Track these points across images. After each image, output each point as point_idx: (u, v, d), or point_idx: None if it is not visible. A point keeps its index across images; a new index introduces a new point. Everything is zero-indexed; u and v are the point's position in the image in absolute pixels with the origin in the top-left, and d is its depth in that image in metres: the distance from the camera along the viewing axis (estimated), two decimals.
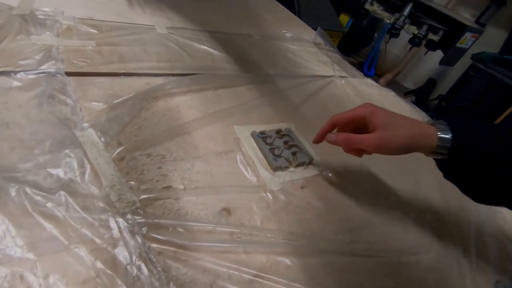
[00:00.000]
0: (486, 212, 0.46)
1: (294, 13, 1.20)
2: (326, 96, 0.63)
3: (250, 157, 0.40)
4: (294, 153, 0.43)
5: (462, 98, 2.38)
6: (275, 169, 0.39)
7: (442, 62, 1.21)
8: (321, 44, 0.89)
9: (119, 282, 0.23)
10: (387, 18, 1.19)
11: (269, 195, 0.36)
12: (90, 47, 0.48)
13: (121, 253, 0.24)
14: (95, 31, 0.52)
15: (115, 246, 0.25)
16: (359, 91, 0.68)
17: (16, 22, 0.46)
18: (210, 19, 0.74)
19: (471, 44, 1.21)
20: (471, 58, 2.31)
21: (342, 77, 0.73)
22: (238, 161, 0.39)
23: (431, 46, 1.19)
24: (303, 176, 0.40)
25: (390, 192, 0.44)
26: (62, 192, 0.26)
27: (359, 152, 0.38)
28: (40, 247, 0.23)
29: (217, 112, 0.45)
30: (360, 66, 3.12)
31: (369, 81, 0.77)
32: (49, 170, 0.28)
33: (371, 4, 1.22)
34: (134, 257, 0.25)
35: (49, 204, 0.25)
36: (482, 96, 2.25)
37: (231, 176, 0.36)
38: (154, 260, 0.25)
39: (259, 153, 0.41)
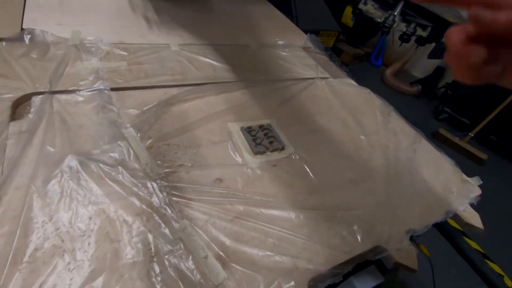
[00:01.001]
0: (419, 185, 0.61)
1: (292, 17, 1.34)
2: (306, 97, 0.78)
3: (238, 145, 0.57)
4: (271, 142, 0.59)
5: (467, 86, 2.42)
6: (256, 153, 0.56)
7: (430, 56, 1.31)
8: (311, 48, 1.03)
9: (155, 215, 0.41)
10: (379, 17, 1.31)
11: (249, 170, 0.53)
12: (124, 67, 0.66)
13: (155, 201, 0.42)
14: (125, 53, 0.70)
15: (151, 197, 0.43)
16: (336, 90, 0.83)
17: (72, 52, 0.64)
18: (214, 33, 0.90)
19: None
20: None
21: (323, 78, 0.87)
22: (229, 148, 0.55)
23: (421, 41, 1.30)
24: (276, 158, 0.57)
25: (345, 166, 0.60)
26: (119, 167, 0.44)
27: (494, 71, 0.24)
28: (111, 196, 0.41)
29: (217, 112, 0.62)
30: (367, 57, 3.18)
31: (348, 80, 0.91)
32: (110, 154, 0.46)
33: (365, 4, 1.34)
34: (162, 203, 0.42)
35: (113, 173, 0.43)
36: (487, 84, 2.29)
37: (223, 157, 0.53)
38: (173, 206, 0.43)
39: (245, 142, 0.58)
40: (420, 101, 2.85)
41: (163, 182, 0.45)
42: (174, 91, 0.64)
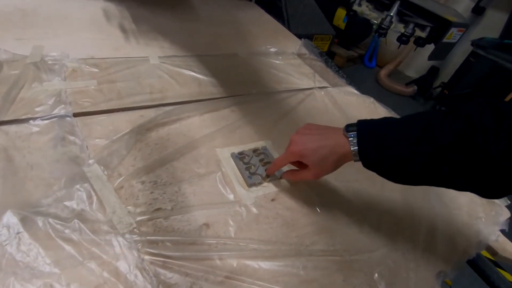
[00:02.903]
0: (442, 212, 0.53)
1: (283, 21, 1.26)
2: (304, 109, 0.69)
3: (229, 176, 0.47)
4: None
5: (464, 85, 2.37)
6: (250, 185, 0.47)
7: (430, 57, 1.24)
8: (306, 54, 0.95)
9: (121, 287, 0.31)
10: (374, 18, 1.23)
11: (243, 209, 0.43)
12: (93, 87, 0.56)
13: (122, 265, 0.33)
14: (96, 70, 0.60)
15: (117, 259, 0.33)
16: (337, 100, 0.75)
17: (30, 71, 0.54)
18: (198, 43, 0.81)
19: (459, 38, 1.24)
20: (472, 45, 2.30)
21: (322, 88, 0.79)
22: (218, 181, 0.46)
23: (419, 42, 1.22)
24: (275, 190, 0.48)
25: (354, 197, 0.51)
26: (76, 220, 0.34)
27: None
28: (62, 263, 0.31)
29: (202, 137, 0.53)
30: (361, 59, 3.13)
31: (349, 89, 0.83)
32: (65, 203, 0.36)
33: (359, 5, 1.27)
34: (131, 267, 0.33)
35: (67, 231, 0.33)
36: (484, 82, 2.24)
37: (211, 194, 0.44)
38: (147, 268, 0.33)
39: (237, 171, 0.49)
40: (416, 101, 2.80)
41: (134, 236, 0.36)
42: (152, 112, 0.55)
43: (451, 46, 1.41)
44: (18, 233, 0.32)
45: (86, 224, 0.35)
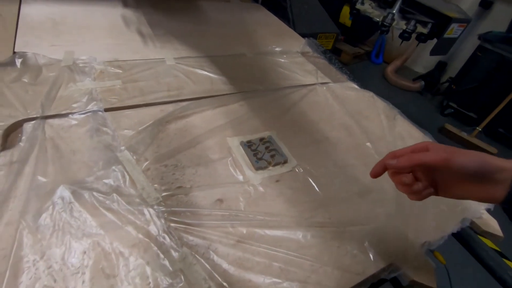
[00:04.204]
0: None
1: (288, 21, 1.32)
2: (307, 104, 0.75)
3: (239, 161, 0.54)
4: (272, 156, 0.57)
5: (471, 80, 2.38)
6: (257, 169, 0.53)
7: (432, 52, 1.28)
8: (310, 53, 1.01)
9: (152, 245, 0.38)
10: (377, 16, 1.29)
11: (251, 188, 0.50)
12: (118, 86, 0.64)
13: (152, 229, 0.40)
14: (120, 71, 0.68)
15: (148, 225, 0.40)
16: (337, 95, 0.81)
17: (65, 73, 0.63)
18: (209, 44, 0.89)
19: (460, 33, 1.28)
20: (479, 39, 2.30)
21: (324, 83, 0.85)
22: (229, 165, 0.53)
23: (421, 38, 1.27)
24: (279, 173, 0.54)
25: (349, 179, 0.57)
26: (114, 194, 0.42)
27: (417, 188, 0.35)
28: (106, 227, 0.39)
29: (215, 128, 0.60)
30: (367, 55, 3.15)
31: (350, 84, 0.89)
32: (104, 181, 0.44)
33: (362, 4, 1.32)
34: (160, 231, 0.40)
35: (107, 202, 0.41)
36: (491, 76, 2.24)
37: (223, 176, 0.51)
38: (173, 233, 0.40)
39: (246, 157, 0.56)
40: (423, 97, 2.80)
41: (160, 207, 0.43)
42: (170, 107, 0.62)
43: (452, 41, 1.45)
44: (70, 203, 0.40)
45: (122, 197, 0.42)
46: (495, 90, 2.23)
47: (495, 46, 2.19)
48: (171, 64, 0.76)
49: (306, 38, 1.04)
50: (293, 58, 0.94)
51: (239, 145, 0.58)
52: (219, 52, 0.86)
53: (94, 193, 0.41)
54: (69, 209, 0.39)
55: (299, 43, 1.04)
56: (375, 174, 0.38)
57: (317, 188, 0.53)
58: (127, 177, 0.46)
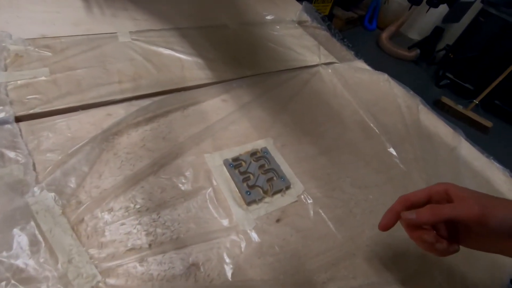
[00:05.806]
0: None
1: None
2: (310, 93, 0.58)
3: (222, 193, 0.38)
4: (270, 179, 0.40)
5: (471, 48, 2.22)
6: (249, 203, 0.37)
7: (445, 19, 1.10)
8: (308, 22, 0.81)
9: None
10: None
11: (241, 237, 0.34)
12: (44, 78, 0.44)
13: None
14: (49, 54, 0.48)
15: None
16: (346, 80, 0.63)
17: None
18: (180, 12, 0.67)
19: None
20: (482, 2, 2.11)
21: (328, 64, 0.67)
22: (208, 201, 0.37)
23: (434, 2, 1.08)
24: (280, 206, 0.39)
25: (375, 206, 0.42)
26: (12, 284, 0.25)
27: (442, 248, 0.28)
28: None
29: (187, 139, 0.42)
30: (360, 20, 2.91)
31: (359, 64, 0.71)
32: None
33: None
34: None
35: None
36: (493, 44, 2.09)
37: (200, 221, 0.35)
38: None
39: (232, 185, 0.39)
40: (419, 67, 2.65)
41: None
42: (121, 110, 0.43)
43: (468, 5, 1.26)
44: None
45: (24, 285, 0.25)
46: (495, 60, 2.09)
47: (500, 10, 2.01)
48: (126, 41, 0.55)
49: (304, 2, 0.83)
50: (288, 30, 0.74)
51: (222, 164, 0.41)
52: (192, 23, 0.65)
53: None
54: None
55: (295, 9, 0.83)
56: (386, 226, 0.31)
57: (333, 227, 0.38)
58: (42, 242, 0.28)
